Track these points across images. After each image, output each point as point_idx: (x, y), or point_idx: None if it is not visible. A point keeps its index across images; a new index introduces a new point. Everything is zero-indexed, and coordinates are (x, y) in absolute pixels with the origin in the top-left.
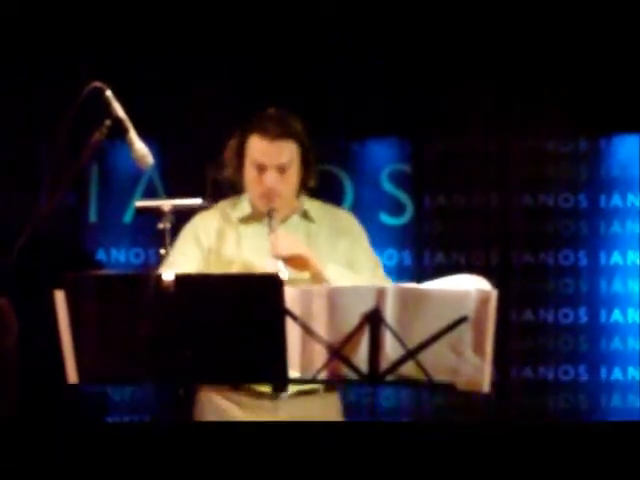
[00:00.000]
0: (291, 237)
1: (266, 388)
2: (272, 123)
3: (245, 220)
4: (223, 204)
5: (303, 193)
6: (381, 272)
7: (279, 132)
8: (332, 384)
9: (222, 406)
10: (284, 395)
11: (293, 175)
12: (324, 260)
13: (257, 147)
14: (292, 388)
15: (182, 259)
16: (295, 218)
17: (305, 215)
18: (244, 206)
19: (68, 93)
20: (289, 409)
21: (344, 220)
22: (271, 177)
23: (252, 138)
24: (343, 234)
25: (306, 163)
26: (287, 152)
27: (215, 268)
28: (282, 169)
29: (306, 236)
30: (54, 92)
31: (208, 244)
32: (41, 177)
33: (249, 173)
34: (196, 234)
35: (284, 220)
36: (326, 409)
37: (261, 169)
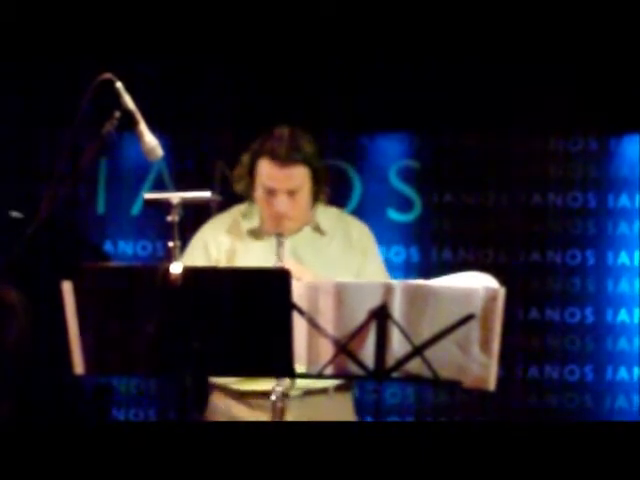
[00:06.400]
0: (298, 267)
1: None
2: (282, 146)
3: (254, 233)
4: (236, 210)
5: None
6: None
7: (289, 157)
8: (338, 379)
9: (232, 407)
10: (293, 395)
11: (304, 197)
12: (333, 272)
13: (267, 171)
14: (300, 387)
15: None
16: (306, 230)
17: (317, 228)
18: (254, 218)
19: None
20: (298, 409)
21: (357, 233)
22: (281, 201)
23: (262, 161)
24: (355, 248)
25: (317, 183)
26: (297, 177)
27: None
28: (292, 193)
29: (316, 249)
30: (54, 92)
31: (217, 257)
32: (41, 175)
33: (259, 194)
34: (205, 244)
35: (295, 232)
36: (337, 409)
37: (271, 193)
